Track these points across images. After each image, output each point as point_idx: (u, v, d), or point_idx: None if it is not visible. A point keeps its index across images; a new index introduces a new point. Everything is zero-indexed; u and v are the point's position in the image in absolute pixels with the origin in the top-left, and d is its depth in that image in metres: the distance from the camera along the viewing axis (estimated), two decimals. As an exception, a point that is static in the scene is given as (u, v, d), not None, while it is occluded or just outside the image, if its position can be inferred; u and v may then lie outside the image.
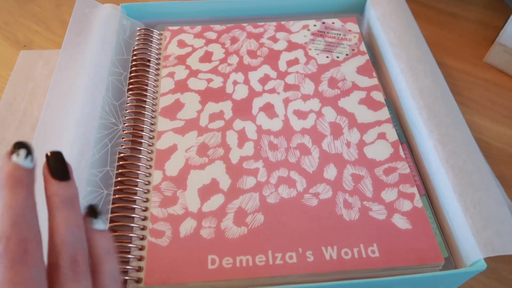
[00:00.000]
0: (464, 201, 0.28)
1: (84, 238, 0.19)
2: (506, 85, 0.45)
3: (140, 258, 0.28)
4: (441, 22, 0.53)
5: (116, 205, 0.29)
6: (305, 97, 0.37)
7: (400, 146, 0.33)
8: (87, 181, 0.28)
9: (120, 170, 0.31)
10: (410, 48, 0.37)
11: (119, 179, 0.30)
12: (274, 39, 0.42)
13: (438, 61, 0.48)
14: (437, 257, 0.28)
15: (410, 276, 0.26)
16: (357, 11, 0.45)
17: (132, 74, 0.37)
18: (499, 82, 0.46)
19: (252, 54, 0.40)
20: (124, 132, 0.33)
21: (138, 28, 0.41)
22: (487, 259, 0.26)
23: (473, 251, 0.27)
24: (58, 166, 0.19)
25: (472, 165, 0.30)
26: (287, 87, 0.38)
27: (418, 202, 0.30)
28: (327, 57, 0.40)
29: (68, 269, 0.17)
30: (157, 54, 0.40)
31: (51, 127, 0.30)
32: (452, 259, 0.29)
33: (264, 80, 0.38)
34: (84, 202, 0.27)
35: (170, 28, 0.42)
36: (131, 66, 0.38)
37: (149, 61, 0.39)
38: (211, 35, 0.42)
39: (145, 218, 0.29)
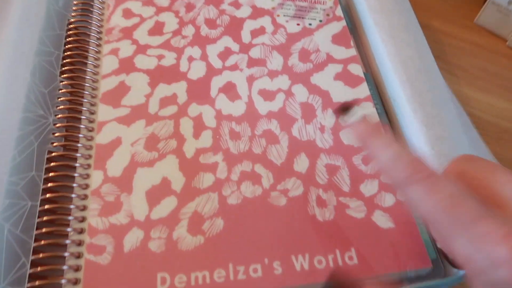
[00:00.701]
0: None
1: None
2: (498, 49, 0.41)
3: (76, 282, 0.23)
4: None
5: (44, 218, 0.24)
6: (272, 74, 0.32)
7: (381, 128, 0.29)
8: (6, 192, 0.23)
9: (50, 174, 0.26)
10: (392, 14, 0.32)
11: (48, 185, 0.25)
12: (236, 4, 0.36)
13: (425, 24, 0.42)
14: (423, 261, 0.24)
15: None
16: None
17: (66, 54, 0.31)
18: (490, 46, 0.41)
19: (210, 23, 0.34)
20: (56, 125, 0.28)
21: (74, -4, 0.35)
22: None
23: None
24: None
25: (460, 151, 0.25)
26: (252, 62, 0.32)
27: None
28: (298, 24, 0.35)
29: None
30: (98, 27, 0.34)
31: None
32: (440, 261, 0.25)
33: (225, 54, 0.33)
34: (0, 219, 0.23)
35: (114, -6, 0.36)
36: (65, 43, 0.32)
37: (88, 36, 0.33)
38: (163, 1, 0.36)
39: (82, 231, 0.25)
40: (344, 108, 0.23)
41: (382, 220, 0.25)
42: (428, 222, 0.18)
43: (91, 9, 0.34)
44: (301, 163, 0.27)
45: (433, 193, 0.17)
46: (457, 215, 0.16)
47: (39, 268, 0.23)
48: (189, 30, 0.34)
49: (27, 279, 0.22)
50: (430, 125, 0.27)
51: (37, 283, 0.23)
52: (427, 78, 0.29)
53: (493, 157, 0.32)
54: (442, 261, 0.25)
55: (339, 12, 0.35)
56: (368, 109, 0.30)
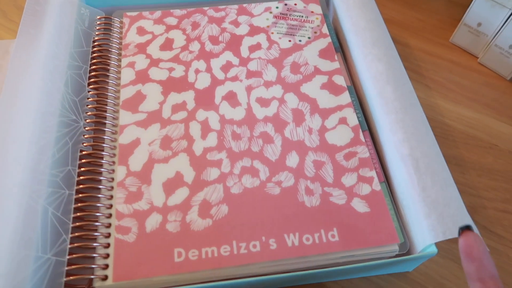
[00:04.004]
0: (412, 187, 0.29)
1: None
2: (470, 66, 0.46)
3: (106, 256, 0.28)
4: (411, 2, 0.52)
5: (79, 204, 0.29)
6: (267, 84, 0.37)
7: (360, 130, 0.34)
8: (48, 182, 0.28)
9: (82, 168, 0.31)
10: (365, 33, 0.37)
11: (81, 177, 0.30)
12: (236, 23, 0.41)
13: (405, 43, 0.48)
14: (393, 238, 0.29)
15: (366, 264, 0.27)
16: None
17: (92, 67, 0.36)
18: (463, 62, 0.46)
19: (214, 40, 0.40)
20: (86, 128, 0.33)
21: (98, 17, 0.40)
22: (443, 241, 0.27)
23: (423, 236, 0.28)
24: None
25: (419, 152, 0.30)
26: (250, 74, 0.37)
27: (377, 185, 0.32)
28: (290, 41, 0.40)
29: None
30: (118, 44, 0.39)
31: (7, 127, 0.29)
32: (408, 244, 0.30)
33: (227, 67, 0.38)
34: (45, 204, 0.28)
35: (128, 14, 0.41)
36: (91, 58, 0.37)
37: (109, 51, 0.38)
38: (172, 20, 0.41)
39: (110, 216, 0.30)
40: None
41: (360, 206, 0.31)
42: None
43: (111, 28, 0.40)
44: (292, 159, 0.33)
45: None
46: None
47: (75, 244, 0.28)
48: (195, 46, 0.39)
49: (67, 252, 0.27)
50: (394, 130, 0.32)
51: (74, 255, 0.28)
52: (394, 88, 0.34)
53: (442, 156, 0.36)
54: (408, 244, 0.30)
55: (325, 30, 0.41)
56: (350, 114, 0.35)
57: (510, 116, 0.42)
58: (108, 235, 0.29)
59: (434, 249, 0.28)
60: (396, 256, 0.30)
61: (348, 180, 0.32)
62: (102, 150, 0.32)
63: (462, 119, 0.42)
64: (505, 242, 0.34)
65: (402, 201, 0.31)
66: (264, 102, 0.36)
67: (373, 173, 0.32)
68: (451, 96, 0.44)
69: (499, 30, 0.42)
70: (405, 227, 0.31)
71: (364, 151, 0.33)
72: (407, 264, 0.30)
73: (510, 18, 0.40)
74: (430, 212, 0.28)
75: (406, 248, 0.30)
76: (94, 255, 0.28)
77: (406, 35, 0.49)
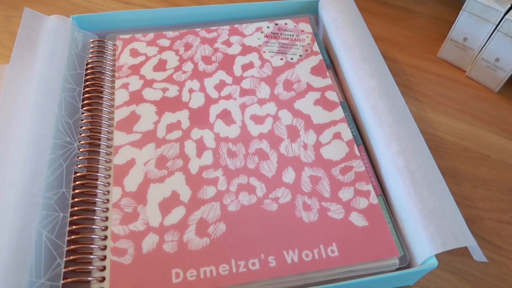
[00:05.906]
0: (409, 199, 0.29)
1: None
2: (458, 79, 0.47)
3: (102, 280, 0.27)
4: (397, 19, 0.54)
5: (74, 227, 0.29)
6: (261, 101, 0.37)
7: (355, 144, 0.34)
8: (42, 205, 0.28)
9: (76, 190, 0.30)
10: (355, 49, 0.38)
11: (75, 199, 0.30)
12: (228, 43, 0.42)
13: (393, 59, 0.49)
14: (393, 251, 0.29)
15: (366, 279, 0.27)
16: (311, 13, 0.45)
17: (86, 89, 0.36)
18: (451, 76, 0.47)
19: (206, 60, 0.40)
20: (80, 150, 0.32)
21: (91, 40, 0.40)
22: (442, 253, 0.27)
23: (422, 249, 0.28)
24: None
25: (415, 163, 0.31)
26: (243, 92, 0.38)
27: (374, 199, 0.32)
28: (281, 59, 0.41)
29: None
30: (111, 66, 0.39)
31: (1, 150, 0.29)
32: (408, 257, 0.30)
33: (220, 86, 0.38)
34: (39, 227, 0.27)
35: (121, 36, 0.42)
36: (84, 80, 0.37)
37: (103, 73, 0.38)
38: (164, 42, 0.42)
39: (105, 238, 0.29)
40: None
41: (358, 220, 0.31)
42: None
43: (104, 50, 0.40)
44: (289, 175, 0.33)
45: None
46: None
47: (70, 268, 0.27)
48: (188, 66, 0.40)
49: (61, 276, 0.26)
50: (389, 143, 0.32)
51: (69, 280, 0.27)
52: (386, 102, 0.34)
53: (437, 166, 0.35)
54: (408, 257, 0.30)
55: (316, 47, 0.42)
56: (344, 129, 0.35)
57: (500, 127, 0.43)
58: (103, 258, 0.28)
59: (434, 261, 0.28)
60: (397, 269, 0.30)
61: (345, 194, 0.32)
62: (97, 172, 0.32)
63: (453, 131, 0.43)
64: (504, 252, 0.34)
65: (400, 213, 0.31)
66: (258, 119, 0.36)
67: (369, 187, 0.32)
68: (441, 109, 0.44)
69: (484, 44, 0.43)
70: (404, 240, 0.30)
71: (359, 165, 0.33)
72: (408, 278, 0.30)
73: (494, 32, 0.42)
74: (428, 224, 0.28)
75: (406, 261, 0.29)
76: (90, 278, 0.27)
77: (394, 51, 0.50)
